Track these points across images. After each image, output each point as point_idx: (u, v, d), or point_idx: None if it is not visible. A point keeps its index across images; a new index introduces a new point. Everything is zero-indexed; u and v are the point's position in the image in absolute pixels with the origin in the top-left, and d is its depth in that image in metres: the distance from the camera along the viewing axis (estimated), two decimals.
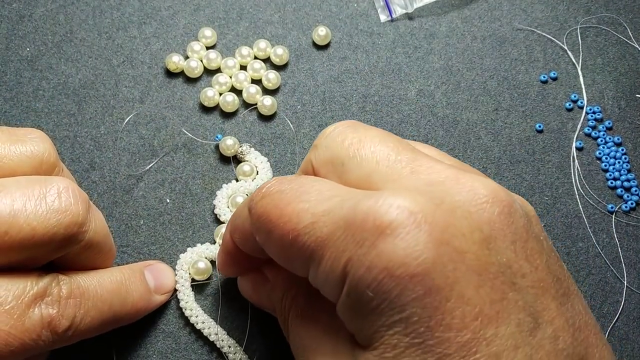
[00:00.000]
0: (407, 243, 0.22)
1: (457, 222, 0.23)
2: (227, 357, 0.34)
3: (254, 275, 0.32)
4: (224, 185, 0.37)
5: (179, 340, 0.34)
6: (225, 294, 0.35)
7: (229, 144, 0.37)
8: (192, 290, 0.35)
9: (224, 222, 0.36)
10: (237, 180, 0.37)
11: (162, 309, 0.35)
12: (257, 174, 0.37)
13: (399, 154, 0.26)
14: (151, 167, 0.37)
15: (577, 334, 0.24)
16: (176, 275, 0.35)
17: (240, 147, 0.37)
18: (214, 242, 0.36)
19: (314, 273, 0.25)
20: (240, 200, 0.36)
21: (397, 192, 0.23)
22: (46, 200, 0.26)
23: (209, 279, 0.35)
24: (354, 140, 0.27)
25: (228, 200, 0.36)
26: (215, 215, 0.36)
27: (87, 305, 0.28)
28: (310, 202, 0.25)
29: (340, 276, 0.23)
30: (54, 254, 0.27)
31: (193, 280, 0.35)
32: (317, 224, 0.24)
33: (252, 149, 0.37)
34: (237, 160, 0.38)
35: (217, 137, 0.38)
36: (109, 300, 0.29)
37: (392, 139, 0.27)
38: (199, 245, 0.36)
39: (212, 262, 0.35)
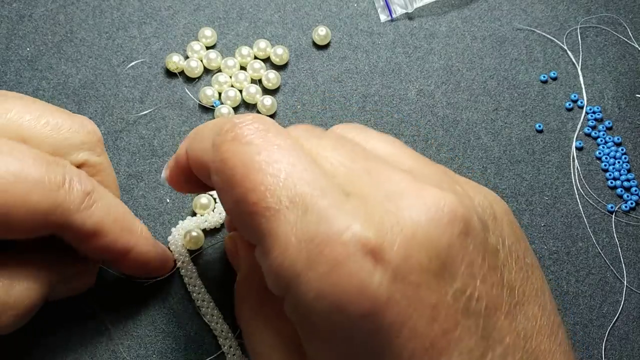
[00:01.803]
0: (361, 280, 0.21)
1: (415, 253, 0.22)
2: (217, 340, 0.34)
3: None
4: None
5: (179, 340, 0.34)
6: (227, 282, 0.35)
7: (223, 112, 0.38)
8: (194, 266, 0.35)
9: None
10: None
11: (161, 308, 0.35)
12: None
13: (354, 162, 0.25)
14: (145, 113, 0.37)
15: (528, 344, 0.24)
16: (173, 254, 0.35)
17: (234, 117, 0.38)
18: (194, 214, 0.36)
19: (260, 255, 0.24)
20: None
21: (360, 217, 0.22)
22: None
23: (201, 248, 0.35)
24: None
25: None
26: None
27: (103, 192, 0.30)
28: (277, 179, 0.23)
29: (285, 283, 0.23)
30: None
31: (190, 252, 0.35)
32: (276, 212, 0.23)
33: None
34: None
35: (215, 102, 0.38)
36: (122, 207, 0.31)
37: (347, 147, 0.26)
38: (180, 222, 0.36)
39: (203, 231, 0.36)
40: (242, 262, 0.31)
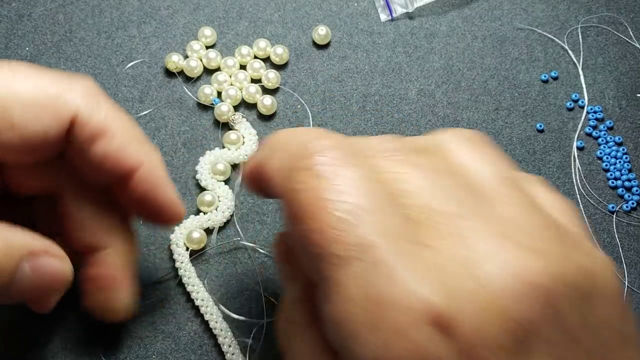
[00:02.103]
0: (425, 352, 0.20)
1: (487, 326, 0.20)
2: (217, 338, 0.34)
3: None
4: (207, 152, 0.37)
5: (178, 341, 0.34)
6: (230, 281, 0.35)
7: (223, 109, 0.38)
8: (193, 266, 0.35)
9: (204, 188, 0.36)
10: (222, 148, 0.38)
11: (161, 308, 0.34)
12: (244, 144, 0.37)
13: (439, 204, 0.23)
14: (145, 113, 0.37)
15: None
16: (174, 254, 0.35)
17: (234, 114, 0.38)
18: (198, 213, 0.36)
19: (320, 298, 0.22)
20: (221, 167, 0.36)
21: (430, 279, 0.20)
22: None
23: (203, 248, 0.35)
24: None
25: (210, 167, 0.37)
26: (196, 181, 0.37)
27: (109, 101, 0.28)
28: (346, 223, 0.21)
29: (342, 339, 0.21)
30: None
31: (189, 252, 0.35)
32: (340, 260, 0.21)
33: (245, 119, 0.38)
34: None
35: (214, 100, 0.38)
36: (130, 119, 0.29)
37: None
38: (185, 220, 0.36)
39: (205, 230, 0.36)
40: (296, 279, 0.27)
